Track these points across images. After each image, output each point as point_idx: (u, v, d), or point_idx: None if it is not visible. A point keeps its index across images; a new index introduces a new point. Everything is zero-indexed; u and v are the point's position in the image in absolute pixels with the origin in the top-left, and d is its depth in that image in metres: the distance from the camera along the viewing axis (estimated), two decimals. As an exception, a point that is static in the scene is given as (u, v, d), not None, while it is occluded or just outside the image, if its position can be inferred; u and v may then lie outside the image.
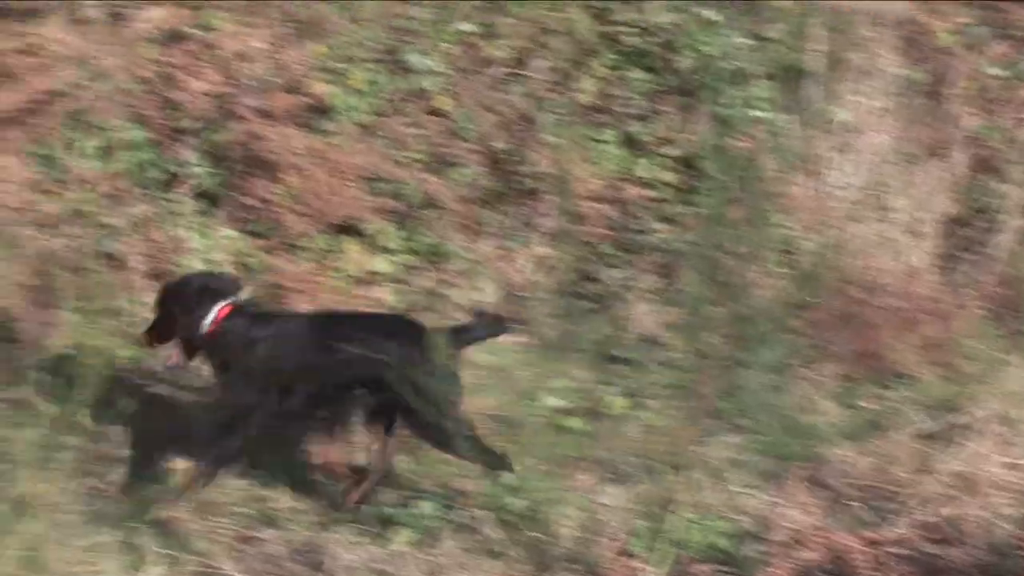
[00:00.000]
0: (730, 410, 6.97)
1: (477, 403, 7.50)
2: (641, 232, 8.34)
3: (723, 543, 6.02)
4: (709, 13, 8.57)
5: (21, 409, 7.15)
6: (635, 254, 8.27)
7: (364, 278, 8.03)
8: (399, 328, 6.62)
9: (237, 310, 6.56)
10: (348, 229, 8.02)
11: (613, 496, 6.39)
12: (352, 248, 8.01)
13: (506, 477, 6.36)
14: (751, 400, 6.98)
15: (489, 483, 6.35)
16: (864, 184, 8.28)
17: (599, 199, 8.35)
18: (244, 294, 6.72)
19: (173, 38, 7.96)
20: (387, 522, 6.40)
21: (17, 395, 7.22)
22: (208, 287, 6.59)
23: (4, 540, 5.80)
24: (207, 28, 7.93)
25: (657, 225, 8.38)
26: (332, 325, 6.61)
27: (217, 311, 6.52)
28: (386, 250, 8.09)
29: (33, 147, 7.59)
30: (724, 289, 7.31)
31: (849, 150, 8.36)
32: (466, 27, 8.31)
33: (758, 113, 8.40)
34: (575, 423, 7.28)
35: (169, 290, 6.66)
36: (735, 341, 6.99)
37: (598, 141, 8.41)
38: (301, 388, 6.45)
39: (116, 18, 7.94)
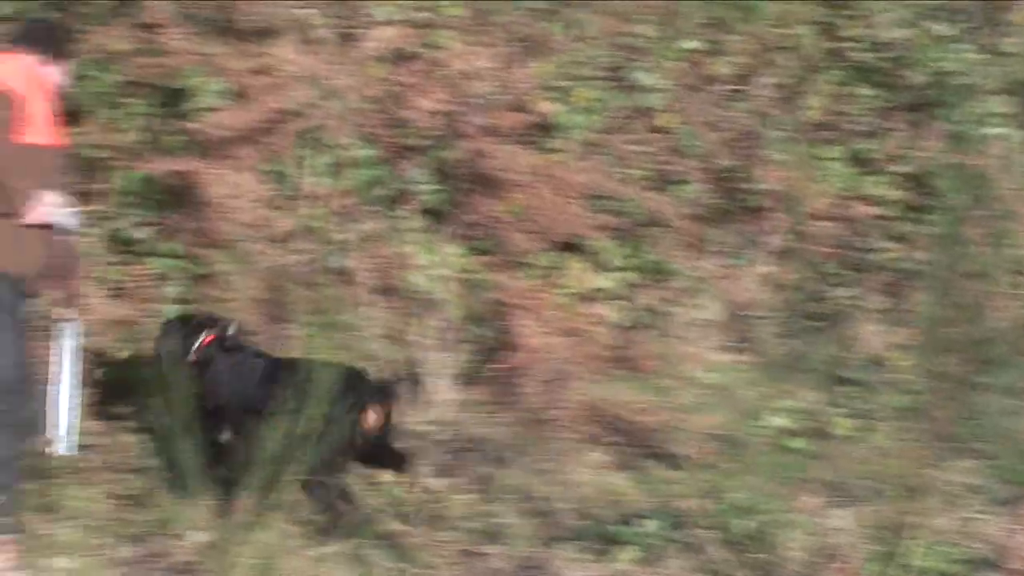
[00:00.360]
0: (964, 434, 6.80)
1: (700, 422, 7.48)
2: (869, 251, 8.20)
3: (958, 570, 5.85)
4: (941, 28, 8.39)
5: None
6: (863, 273, 8.13)
7: (587, 295, 8.03)
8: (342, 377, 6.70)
9: (218, 340, 6.85)
10: (572, 246, 8.02)
11: (842, 519, 6.25)
12: (575, 265, 8.01)
13: (732, 497, 6.28)
14: (986, 424, 6.79)
15: (715, 503, 6.28)
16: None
17: (825, 217, 8.23)
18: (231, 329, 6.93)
19: (402, 57, 8.06)
20: (610, 540, 6.36)
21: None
22: (195, 320, 6.95)
23: (239, 550, 5.92)
24: (435, 47, 8.01)
25: (886, 244, 8.23)
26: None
27: (202, 340, 6.83)
28: (609, 267, 8.07)
29: (266, 165, 7.74)
30: (958, 310, 7.14)
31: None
32: (691, 44, 8.26)
33: (993, 130, 8.20)
34: (800, 444, 7.18)
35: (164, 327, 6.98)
36: (970, 363, 6.82)
37: (824, 159, 8.29)
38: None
39: (346, 38, 8.07)
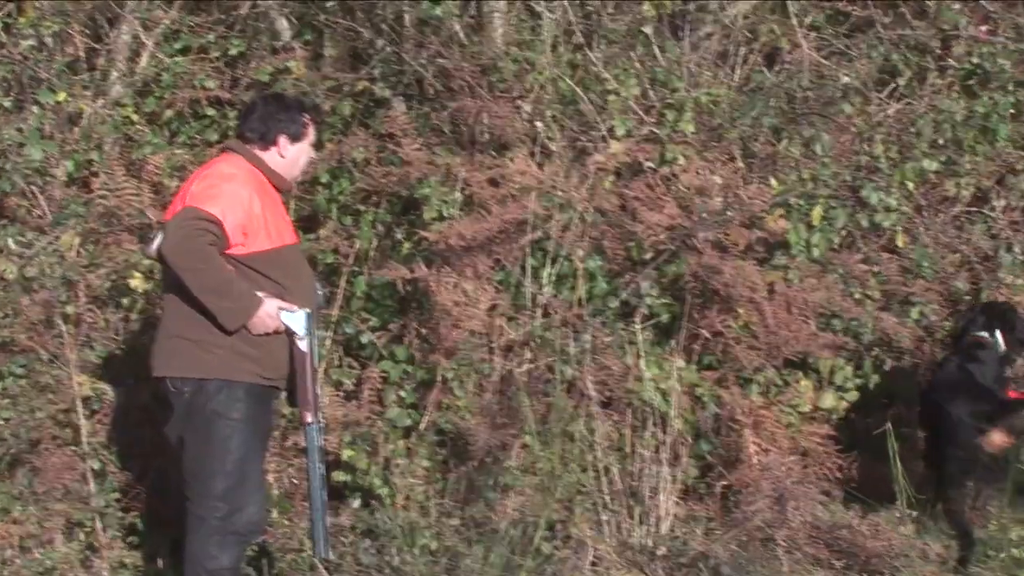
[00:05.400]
0: None
1: (928, 549, 7.30)
2: None
3: None
4: None
5: (476, 527, 7.35)
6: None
7: (814, 414, 7.92)
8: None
9: None
10: (800, 365, 7.93)
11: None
12: (803, 384, 7.91)
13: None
14: None
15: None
16: None
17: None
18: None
19: (632, 171, 8.11)
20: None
21: (472, 513, 7.43)
22: None
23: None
24: (666, 162, 8.04)
25: None
26: None
27: None
28: (838, 387, 7.95)
29: (497, 274, 7.83)
30: None
31: None
32: (928, 165, 8.15)
33: None
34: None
35: None
36: None
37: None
38: None
39: (578, 151, 8.15)
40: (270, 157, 6.34)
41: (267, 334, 6.18)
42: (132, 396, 7.34)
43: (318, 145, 7.95)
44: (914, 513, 7.63)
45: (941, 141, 8.24)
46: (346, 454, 7.52)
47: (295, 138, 6.39)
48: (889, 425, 6.96)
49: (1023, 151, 8.31)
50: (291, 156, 6.39)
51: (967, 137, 8.24)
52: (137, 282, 7.49)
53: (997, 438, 7.16)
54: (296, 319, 6.24)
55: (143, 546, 7.20)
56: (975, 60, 8.36)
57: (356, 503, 7.57)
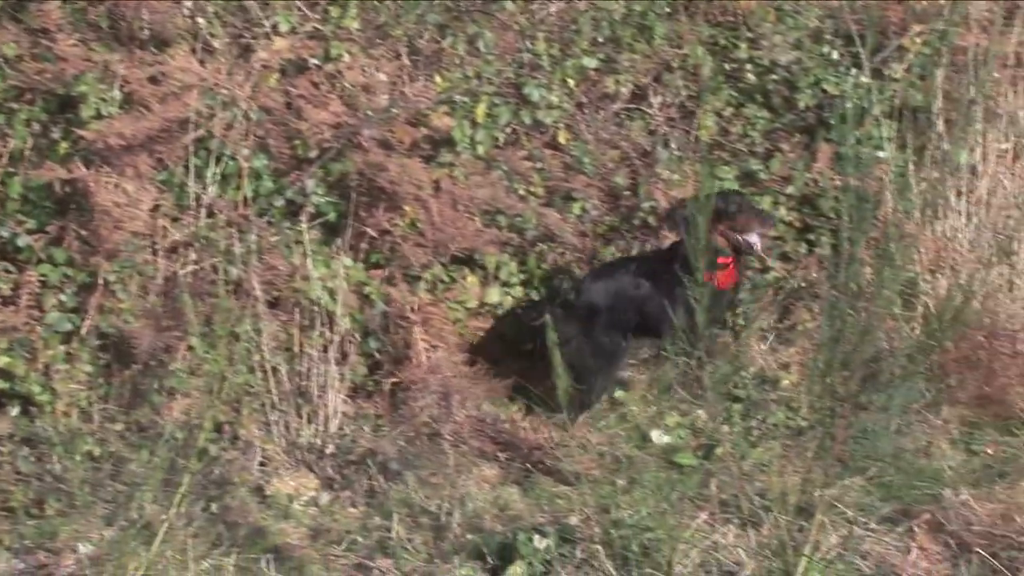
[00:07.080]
0: (852, 452, 6.89)
1: (594, 437, 7.56)
2: (760, 271, 8.31)
3: (848, 589, 5.95)
4: (831, 52, 8.51)
5: (141, 432, 7.27)
6: (752, 292, 8.23)
7: (480, 310, 8.05)
8: None
9: None
10: (466, 261, 8.03)
11: (733, 537, 6.34)
12: (470, 280, 8.02)
13: (621, 513, 6.34)
14: (874, 443, 6.89)
15: (604, 519, 6.32)
16: (989, 227, 8.19)
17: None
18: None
19: (297, 68, 8.01)
20: (501, 554, 6.39)
21: (137, 417, 7.34)
22: None
23: (125, 562, 5.86)
24: (331, 59, 7.97)
25: (775, 264, 8.35)
26: None
27: None
28: (503, 283, 8.10)
29: (159, 174, 7.67)
30: (846, 330, 7.25)
31: (973, 192, 8.28)
32: (587, 62, 8.30)
33: (880, 153, 8.33)
34: (689, 460, 7.25)
35: None
36: (857, 383, 6.92)
37: (717, 178, 8.36)
38: None
39: (242, 48, 8.01)
40: None
41: None
42: None
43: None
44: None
45: (601, 39, 8.38)
46: (3, 361, 7.31)
47: None
48: (549, 318, 7.11)
49: (679, 49, 8.49)
50: None
51: (625, 35, 8.40)
52: None
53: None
54: None
55: None
56: (632, -41, 8.52)
57: (15, 411, 7.36)
